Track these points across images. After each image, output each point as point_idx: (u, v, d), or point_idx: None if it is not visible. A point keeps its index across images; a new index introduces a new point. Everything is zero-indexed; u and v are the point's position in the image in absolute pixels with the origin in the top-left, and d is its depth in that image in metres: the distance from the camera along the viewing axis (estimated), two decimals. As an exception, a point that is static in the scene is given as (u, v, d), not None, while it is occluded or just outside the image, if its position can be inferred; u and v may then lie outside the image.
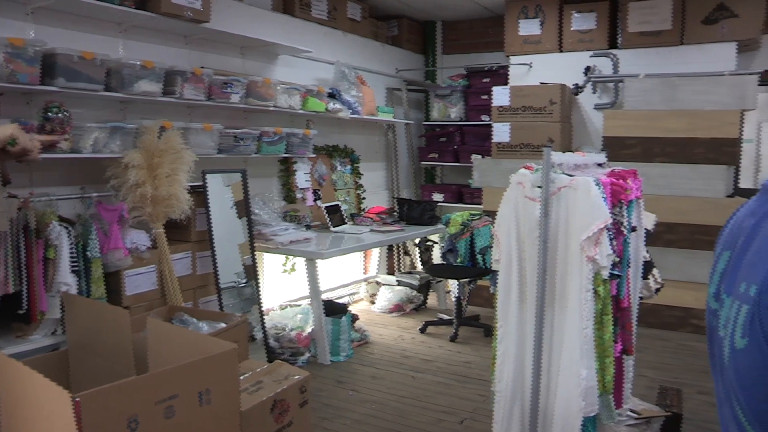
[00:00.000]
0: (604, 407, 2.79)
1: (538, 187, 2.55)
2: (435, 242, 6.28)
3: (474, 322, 5.43)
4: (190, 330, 3.09)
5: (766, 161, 5.87)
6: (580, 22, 6.09)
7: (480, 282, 5.60)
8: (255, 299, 4.42)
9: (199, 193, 4.13)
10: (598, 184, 2.47)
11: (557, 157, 2.62)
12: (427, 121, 7.28)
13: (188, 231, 4.16)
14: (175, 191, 3.83)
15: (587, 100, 6.09)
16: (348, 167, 6.19)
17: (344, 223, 5.50)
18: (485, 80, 6.72)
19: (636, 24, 5.82)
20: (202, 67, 4.26)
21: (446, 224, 5.60)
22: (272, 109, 4.81)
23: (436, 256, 6.23)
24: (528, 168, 2.69)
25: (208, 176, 4.22)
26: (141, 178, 3.69)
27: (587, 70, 5.95)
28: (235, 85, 4.42)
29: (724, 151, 5.17)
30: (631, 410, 3.31)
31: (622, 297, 2.72)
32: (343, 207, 5.68)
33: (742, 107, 5.15)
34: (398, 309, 5.93)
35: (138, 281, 3.75)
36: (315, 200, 5.60)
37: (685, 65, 5.60)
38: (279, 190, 5.40)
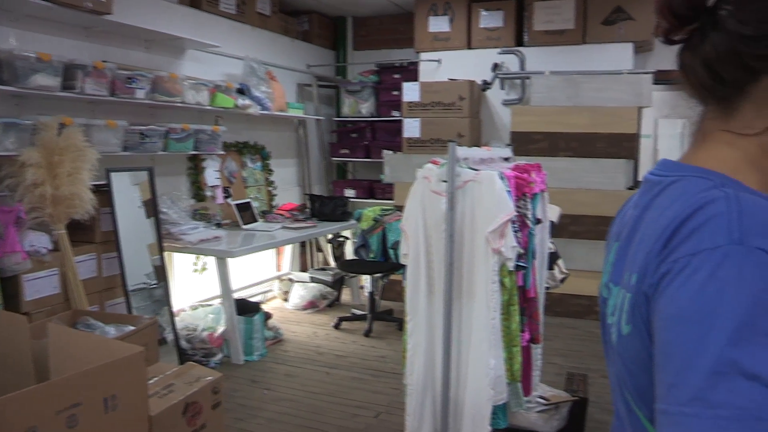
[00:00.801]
0: (513, 395, 2.86)
1: (444, 181, 2.59)
2: (347, 238, 6.30)
3: (387, 317, 5.47)
4: (95, 335, 2.99)
5: (663, 155, 6.16)
6: (488, 20, 6.22)
7: (393, 276, 5.65)
8: (165, 300, 4.32)
9: (104, 193, 3.99)
10: (502, 178, 2.53)
11: (462, 151, 2.67)
12: (338, 116, 7.27)
13: (93, 232, 4.02)
14: (77, 191, 3.69)
15: (495, 96, 6.23)
16: (259, 164, 6.12)
17: (255, 221, 5.43)
18: (396, 76, 6.78)
19: (541, 23, 5.99)
20: (104, 61, 4.11)
21: (358, 220, 5.62)
22: (179, 105, 4.70)
23: (349, 252, 6.25)
24: (434, 162, 2.73)
25: (113, 175, 4.09)
26: (40, 177, 3.53)
27: (495, 66, 6.09)
28: (140, 80, 4.29)
29: (623, 146, 5.39)
30: (541, 397, 3.41)
31: (528, 287, 2.80)
32: (254, 204, 5.62)
33: (639, 104, 5.38)
34: (312, 306, 5.91)
35: (38, 285, 3.59)
36: (225, 198, 5.51)
37: (587, 63, 5.81)
38: (188, 189, 5.28)
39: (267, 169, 6.22)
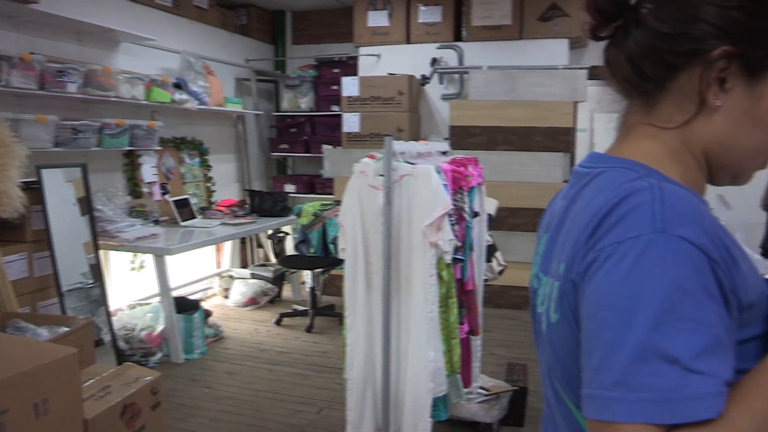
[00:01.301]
0: (453, 387, 2.90)
1: (381, 175, 2.60)
2: (287, 233, 6.26)
3: (329, 312, 5.47)
4: (25, 337, 2.90)
5: (598, 149, 6.28)
6: (427, 14, 6.25)
7: (334, 271, 5.64)
8: (102, 300, 4.22)
9: (35, 190, 3.86)
10: (439, 172, 2.55)
11: (399, 145, 2.68)
12: (277, 111, 7.21)
13: (23, 231, 3.88)
14: (5, 188, 3.56)
15: (434, 90, 6.27)
16: (197, 160, 6.03)
17: (194, 217, 5.36)
18: (335, 71, 6.75)
19: (479, 18, 6.06)
20: (32, 53, 3.97)
21: (298, 215, 5.59)
22: (114, 99, 4.58)
23: (290, 248, 6.22)
24: (371, 157, 2.73)
25: (45, 171, 3.96)
26: (-36, 174, 3.40)
27: (434, 61, 6.12)
28: (71, 74, 4.16)
29: (560, 140, 5.50)
30: (482, 387, 3.46)
31: (466, 280, 2.83)
32: (193, 201, 5.53)
33: (575, 99, 5.50)
34: (253, 302, 5.86)
35: (-35, 287, 3.46)
36: (163, 194, 5.41)
37: (524, 59, 5.90)
38: (124, 185, 5.16)
39: (205, 165, 6.13)
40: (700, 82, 0.81)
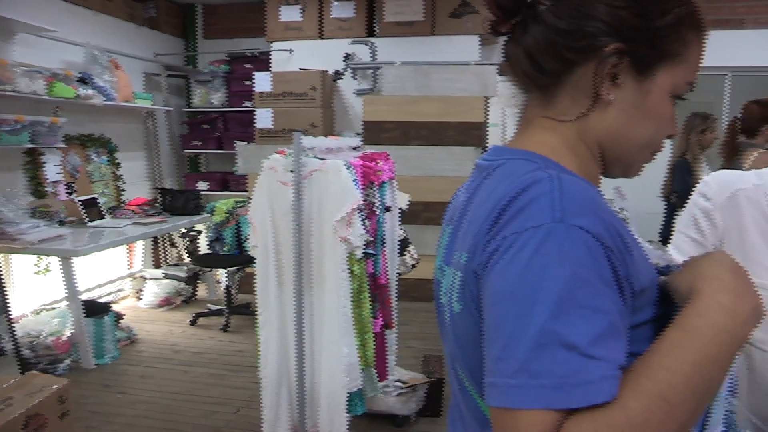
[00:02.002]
0: (368, 381, 2.91)
1: (290, 171, 2.58)
2: (201, 232, 6.14)
3: (245, 310, 5.40)
4: None
5: (510, 143, 6.45)
6: (340, 10, 6.24)
7: (249, 269, 5.57)
8: (3, 307, 4.02)
9: (-76, 191, 3.66)
10: (348, 167, 2.55)
11: (309, 141, 2.67)
12: (188, 107, 7.05)
13: None
14: None
15: (347, 86, 6.27)
16: (105, 158, 5.83)
17: (103, 217, 5.18)
18: (247, 66, 6.66)
19: (391, 14, 6.09)
20: None
21: (211, 213, 5.50)
22: (11, 94, 4.36)
23: (203, 246, 6.10)
24: (280, 153, 2.71)
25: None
26: None
27: (347, 57, 6.13)
28: (-37, 69, 3.96)
29: (472, 134, 5.60)
30: (398, 380, 3.48)
31: (378, 274, 2.84)
32: (101, 200, 5.34)
33: (486, 94, 5.61)
34: (167, 303, 5.72)
35: None
36: (69, 194, 5.21)
37: (437, 54, 5.97)
38: (26, 185, 4.94)
39: (114, 163, 5.94)
40: (594, 76, 0.84)
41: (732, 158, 3.91)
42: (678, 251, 1.40)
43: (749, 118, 3.94)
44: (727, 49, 5.81)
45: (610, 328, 0.70)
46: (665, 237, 4.78)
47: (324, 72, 5.98)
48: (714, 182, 1.41)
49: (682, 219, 1.46)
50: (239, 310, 5.37)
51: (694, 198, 1.43)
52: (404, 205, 3.52)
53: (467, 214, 0.88)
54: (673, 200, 4.66)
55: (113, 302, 5.49)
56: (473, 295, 0.80)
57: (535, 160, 0.83)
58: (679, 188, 4.65)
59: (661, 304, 0.84)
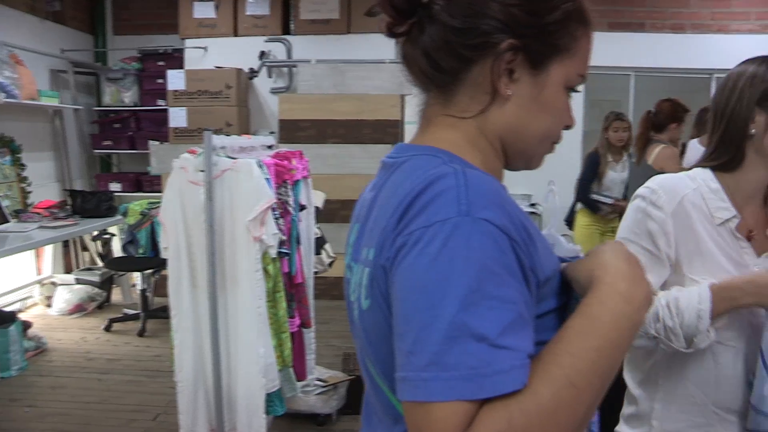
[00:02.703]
0: (286, 381, 2.91)
1: (202, 171, 2.54)
2: (114, 234, 5.96)
3: (162, 314, 5.24)
4: None
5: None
6: (254, 7, 6.18)
7: (164, 272, 5.44)
8: None
9: None
10: (261, 166, 2.53)
11: (221, 140, 2.64)
12: (99, 106, 6.81)
13: None
14: None
15: (263, 84, 6.22)
16: (8, 158, 5.57)
17: (7, 221, 4.95)
18: (160, 63, 6.49)
19: (307, 12, 6.08)
20: None
21: (124, 215, 5.34)
22: None
23: (117, 249, 5.93)
24: (191, 152, 2.67)
25: None
26: None
27: (262, 54, 6.07)
28: None
29: (388, 132, 5.64)
30: (319, 379, 3.48)
31: (294, 273, 2.83)
32: (4, 203, 5.11)
33: (402, 92, 5.66)
34: (79, 309, 5.52)
35: None
36: (-31, 197, 4.97)
37: (352, 52, 5.98)
38: None
39: (18, 164, 5.68)
40: (491, 73, 0.86)
41: (644, 151, 4.11)
42: None
43: (660, 114, 4.15)
44: (631, 50, 6.15)
45: (518, 318, 0.72)
46: (570, 222, 4.99)
47: (239, 70, 5.91)
48: (661, 189, 1.39)
49: (629, 228, 1.42)
50: (156, 314, 5.24)
51: (644, 207, 1.40)
52: (320, 203, 3.52)
53: (373, 211, 0.89)
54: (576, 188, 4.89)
55: (20, 311, 5.27)
56: (382, 291, 0.80)
57: (439, 155, 0.84)
58: (581, 179, 4.86)
59: (563, 293, 0.88)
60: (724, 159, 1.40)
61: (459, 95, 0.89)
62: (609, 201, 4.68)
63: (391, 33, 0.92)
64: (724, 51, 6.05)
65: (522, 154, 0.94)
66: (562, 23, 0.87)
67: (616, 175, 4.75)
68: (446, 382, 0.68)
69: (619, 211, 4.43)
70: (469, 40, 0.85)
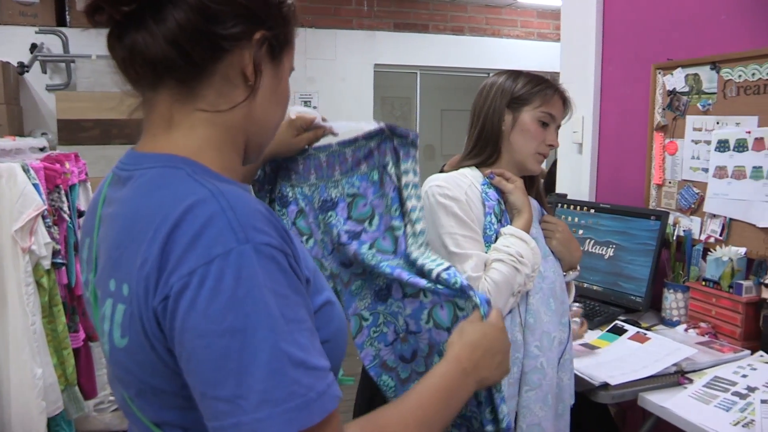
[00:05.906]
0: (72, 401, 2.70)
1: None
2: None
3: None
4: None
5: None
6: (20, -8, 5.65)
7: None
8: None
9: None
10: (27, 170, 2.32)
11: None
12: None
13: None
14: None
15: (38, 80, 5.71)
16: None
17: None
18: None
19: (83, 2, 5.64)
20: None
21: None
22: None
23: None
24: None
25: None
26: None
27: (33, 47, 5.59)
28: None
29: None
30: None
31: (74, 284, 2.63)
32: None
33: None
34: None
35: None
36: None
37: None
38: None
39: None
40: (244, 65, 0.82)
41: None
42: (462, 250, 1.52)
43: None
44: (416, 50, 6.52)
45: (313, 335, 0.72)
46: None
47: (6, 63, 5.37)
48: (446, 183, 1.59)
49: (442, 224, 1.55)
50: None
51: (442, 202, 1.56)
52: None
53: (109, 231, 0.81)
54: None
55: None
56: (154, 333, 0.72)
57: (180, 166, 0.78)
58: None
59: (324, 288, 0.88)
60: (484, 156, 1.67)
61: (205, 89, 0.82)
62: None
63: (93, 22, 0.86)
64: (497, 53, 6.72)
65: (260, 147, 0.93)
66: (291, 15, 0.89)
67: None
68: (281, 415, 0.66)
69: None
70: (226, 30, 0.79)
